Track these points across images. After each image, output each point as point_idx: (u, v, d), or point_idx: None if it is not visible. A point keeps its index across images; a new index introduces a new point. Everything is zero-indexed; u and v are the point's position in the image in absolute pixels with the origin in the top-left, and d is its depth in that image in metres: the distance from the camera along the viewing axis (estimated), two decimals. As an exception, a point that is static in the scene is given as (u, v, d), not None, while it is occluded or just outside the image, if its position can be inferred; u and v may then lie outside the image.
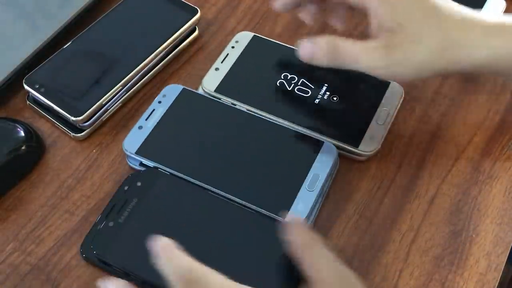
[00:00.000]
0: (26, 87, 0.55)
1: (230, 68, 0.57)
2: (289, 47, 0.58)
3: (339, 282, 0.40)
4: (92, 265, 0.48)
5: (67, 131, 0.55)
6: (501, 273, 0.48)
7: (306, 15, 0.53)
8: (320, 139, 0.52)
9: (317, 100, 0.55)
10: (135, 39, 0.59)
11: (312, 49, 0.47)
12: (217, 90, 0.55)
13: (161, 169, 0.50)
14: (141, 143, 0.52)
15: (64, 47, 0.57)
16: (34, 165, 0.53)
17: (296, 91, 0.55)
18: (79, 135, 0.54)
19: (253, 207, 0.48)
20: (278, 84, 0.56)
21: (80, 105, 0.54)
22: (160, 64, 0.59)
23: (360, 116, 0.54)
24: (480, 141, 0.54)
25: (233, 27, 0.62)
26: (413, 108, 0.56)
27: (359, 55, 0.45)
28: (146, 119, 0.53)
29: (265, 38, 0.59)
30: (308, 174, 0.50)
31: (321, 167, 0.50)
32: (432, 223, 0.50)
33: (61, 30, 0.59)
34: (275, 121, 0.53)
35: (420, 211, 0.51)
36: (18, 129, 0.53)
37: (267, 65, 0.57)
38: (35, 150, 0.53)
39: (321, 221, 0.50)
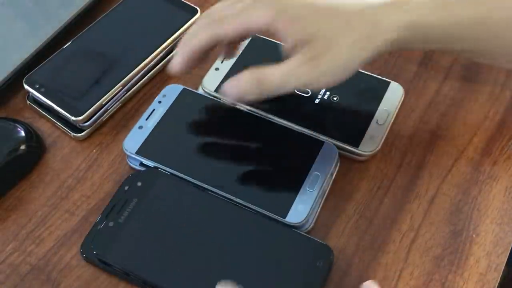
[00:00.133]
0: (26, 87, 0.55)
1: (230, 68, 0.57)
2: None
3: None
4: (92, 265, 0.48)
5: (67, 131, 0.55)
6: (501, 273, 0.48)
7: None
8: (320, 139, 0.52)
9: (317, 100, 0.55)
10: (135, 39, 0.59)
11: (238, 87, 0.45)
12: (217, 90, 0.55)
13: (161, 169, 0.50)
14: (141, 143, 0.52)
15: (64, 47, 0.57)
16: (34, 165, 0.53)
17: (296, 91, 0.55)
18: (79, 135, 0.54)
19: (253, 207, 0.48)
20: (278, 84, 0.56)
21: (80, 105, 0.54)
22: (160, 64, 0.59)
23: (360, 116, 0.54)
24: (480, 141, 0.54)
25: (233, 27, 0.62)
26: (413, 108, 0.56)
27: (286, 77, 0.44)
28: (146, 119, 0.53)
29: (264, 38, 0.59)
30: (309, 174, 0.50)
31: (322, 167, 0.50)
32: (432, 223, 0.50)
33: (61, 30, 0.59)
34: (276, 120, 0.53)
35: (420, 211, 0.51)
36: (18, 129, 0.53)
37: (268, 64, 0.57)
38: (35, 150, 0.53)
39: (321, 221, 0.50)
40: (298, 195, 0.49)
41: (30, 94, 0.55)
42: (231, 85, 0.46)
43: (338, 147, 0.52)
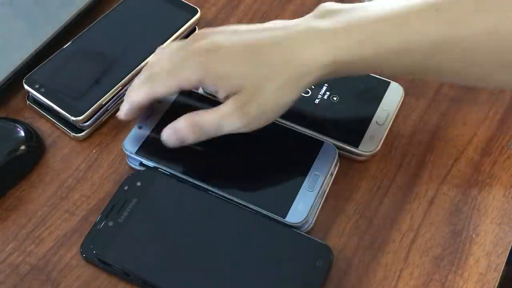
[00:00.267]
0: (26, 87, 0.55)
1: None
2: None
3: None
4: (92, 265, 0.48)
5: (67, 131, 0.55)
6: (501, 273, 0.48)
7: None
8: (320, 139, 0.52)
9: (317, 100, 0.55)
10: (135, 39, 0.59)
11: (175, 134, 0.48)
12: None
13: (161, 169, 0.50)
14: (141, 143, 0.52)
15: (64, 47, 0.57)
16: (34, 165, 0.53)
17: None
18: (79, 135, 0.54)
19: (253, 207, 0.48)
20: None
21: (80, 105, 0.54)
22: (160, 64, 0.58)
23: (360, 116, 0.54)
24: (480, 141, 0.54)
25: (233, 27, 0.62)
26: (413, 108, 0.56)
27: (219, 123, 0.47)
28: (146, 120, 0.53)
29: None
30: (308, 174, 0.50)
31: (321, 167, 0.50)
32: (432, 223, 0.50)
33: (61, 30, 0.59)
34: (275, 120, 0.53)
35: (420, 211, 0.51)
36: (18, 129, 0.53)
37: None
38: (35, 150, 0.53)
39: (321, 221, 0.50)
40: (297, 195, 0.49)
41: (30, 94, 0.55)
42: (169, 133, 0.49)
43: (338, 147, 0.52)
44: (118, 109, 0.56)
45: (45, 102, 0.54)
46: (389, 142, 0.54)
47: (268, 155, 0.52)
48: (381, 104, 0.55)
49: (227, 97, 0.47)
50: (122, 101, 0.56)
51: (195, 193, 0.49)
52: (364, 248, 0.49)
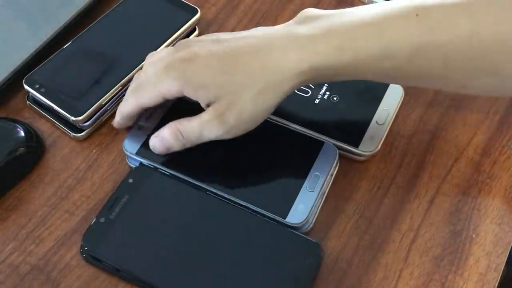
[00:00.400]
0: (26, 87, 0.55)
1: None
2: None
3: None
4: (92, 265, 0.48)
5: (67, 131, 0.55)
6: (501, 273, 0.48)
7: None
8: (320, 139, 0.52)
9: (317, 100, 0.55)
10: (135, 39, 0.59)
11: (161, 142, 0.50)
12: None
13: (162, 170, 0.50)
14: (141, 143, 0.52)
15: (64, 47, 0.57)
16: (34, 165, 0.53)
17: (296, 91, 0.55)
18: (79, 135, 0.54)
19: (253, 207, 0.48)
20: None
21: (80, 105, 0.54)
22: (160, 64, 0.58)
23: (360, 116, 0.54)
24: (480, 141, 0.54)
25: (233, 27, 0.62)
26: (413, 108, 0.56)
27: (200, 131, 0.48)
28: (147, 120, 0.53)
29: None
30: (309, 175, 0.50)
31: (322, 168, 0.50)
32: (432, 223, 0.50)
33: (61, 30, 0.59)
34: (275, 121, 0.53)
35: (420, 211, 0.51)
36: (18, 129, 0.53)
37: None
38: (35, 150, 0.53)
39: (321, 221, 0.50)
40: (298, 196, 0.49)
41: (30, 94, 0.55)
42: (155, 141, 0.50)
43: (338, 147, 0.52)
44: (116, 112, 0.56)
45: (45, 102, 0.54)
46: (389, 142, 0.54)
47: (268, 155, 0.52)
48: (381, 104, 0.55)
49: (208, 105, 0.48)
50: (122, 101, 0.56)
51: (186, 189, 0.50)
52: (364, 248, 0.49)
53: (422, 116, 0.56)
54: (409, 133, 0.55)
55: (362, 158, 0.53)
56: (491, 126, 0.55)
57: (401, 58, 0.46)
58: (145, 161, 0.51)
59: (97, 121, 0.55)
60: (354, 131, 0.53)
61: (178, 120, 0.49)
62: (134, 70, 0.56)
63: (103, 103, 0.54)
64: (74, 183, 0.52)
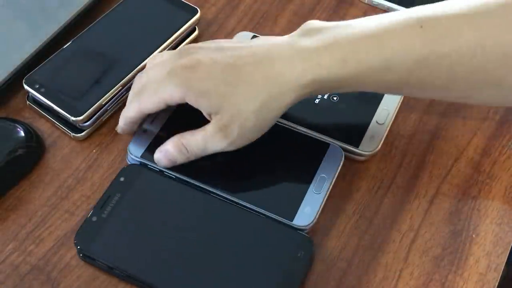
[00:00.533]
0: (26, 87, 0.55)
1: None
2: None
3: None
4: (91, 265, 0.48)
5: (67, 131, 0.55)
6: (501, 273, 0.48)
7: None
8: (326, 141, 0.52)
9: (317, 100, 0.55)
10: (135, 39, 0.59)
11: (165, 156, 0.50)
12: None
13: (166, 172, 0.50)
14: (146, 147, 0.52)
15: (64, 47, 0.57)
16: (34, 165, 0.53)
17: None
18: (79, 135, 0.54)
19: (260, 210, 0.48)
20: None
21: (80, 105, 0.54)
22: (160, 64, 0.58)
23: (360, 116, 0.54)
24: (480, 141, 0.54)
25: (233, 27, 0.62)
26: (413, 108, 0.56)
27: (204, 144, 0.48)
28: (151, 123, 0.53)
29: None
30: (315, 177, 0.50)
31: (328, 170, 0.50)
32: (432, 223, 0.50)
33: (61, 30, 0.59)
34: (279, 122, 0.53)
35: (420, 211, 0.51)
36: (18, 129, 0.53)
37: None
38: (35, 150, 0.53)
39: (321, 221, 0.50)
40: (304, 198, 0.49)
41: (30, 94, 0.55)
42: (159, 156, 0.50)
43: (338, 147, 0.52)
44: (118, 109, 0.56)
45: (45, 102, 0.54)
46: (389, 142, 0.54)
47: (274, 157, 0.52)
48: (381, 104, 0.55)
49: (209, 115, 0.48)
50: (121, 101, 0.56)
51: (177, 187, 0.50)
52: (364, 248, 0.49)
53: (422, 116, 0.56)
54: (409, 133, 0.55)
55: (362, 158, 0.53)
56: (491, 126, 0.55)
57: (403, 70, 0.46)
58: (150, 164, 0.51)
59: (97, 121, 0.55)
60: (354, 131, 0.53)
61: (181, 134, 0.49)
62: (134, 70, 0.56)
63: (103, 103, 0.54)
64: (74, 183, 0.52)
